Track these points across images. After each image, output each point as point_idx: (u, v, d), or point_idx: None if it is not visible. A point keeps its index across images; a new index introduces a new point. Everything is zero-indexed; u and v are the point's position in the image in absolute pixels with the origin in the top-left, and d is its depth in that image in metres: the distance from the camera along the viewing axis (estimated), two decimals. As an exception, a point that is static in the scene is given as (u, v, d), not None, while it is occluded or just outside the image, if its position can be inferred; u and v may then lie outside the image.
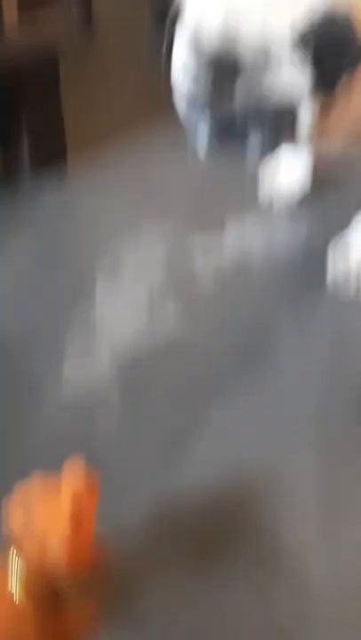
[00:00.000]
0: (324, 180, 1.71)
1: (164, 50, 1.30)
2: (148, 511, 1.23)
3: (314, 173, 1.71)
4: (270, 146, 1.31)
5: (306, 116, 1.29)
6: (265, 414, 1.36)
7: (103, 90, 2.06)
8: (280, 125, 1.30)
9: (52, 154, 1.80)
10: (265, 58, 1.24)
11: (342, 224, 1.61)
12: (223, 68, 1.25)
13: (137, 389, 1.41)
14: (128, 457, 1.31)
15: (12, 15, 1.57)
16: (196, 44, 1.26)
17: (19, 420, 1.36)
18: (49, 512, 1.03)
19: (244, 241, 1.66)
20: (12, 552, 1.05)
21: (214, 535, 1.22)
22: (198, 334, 1.50)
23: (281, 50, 1.23)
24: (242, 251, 1.64)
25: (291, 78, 1.25)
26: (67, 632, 1.09)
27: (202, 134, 1.32)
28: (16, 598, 1.03)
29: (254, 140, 1.30)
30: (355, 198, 1.65)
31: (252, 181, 1.73)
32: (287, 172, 1.71)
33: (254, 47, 1.23)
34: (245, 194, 1.72)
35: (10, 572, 1.04)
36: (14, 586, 1.03)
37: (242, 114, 1.27)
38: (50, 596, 1.06)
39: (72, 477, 1.06)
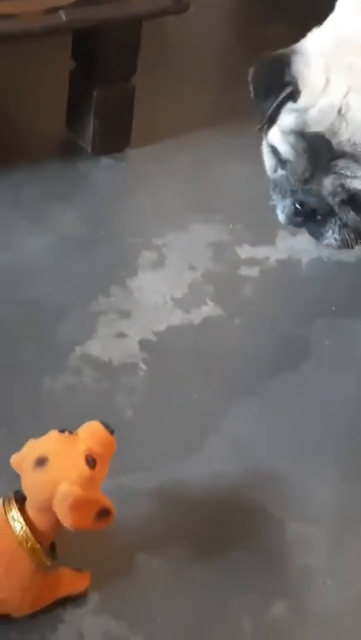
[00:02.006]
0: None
1: (263, 123, 1.26)
2: (159, 487, 1.22)
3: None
4: (347, 244, 1.27)
5: None
6: (289, 417, 1.35)
7: (180, 78, 2.07)
8: None
9: (116, 135, 1.81)
10: None
11: None
12: (320, 155, 1.21)
13: (165, 363, 1.41)
14: (147, 429, 1.30)
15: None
16: (300, 126, 1.22)
17: (43, 377, 1.35)
18: (63, 465, 1.01)
19: (293, 249, 1.65)
20: (13, 498, 1.04)
21: (221, 520, 1.20)
22: (234, 325, 1.49)
23: None
24: (291, 257, 1.63)
25: None
26: (57, 582, 1.08)
27: (281, 214, 1.31)
28: (18, 534, 1.01)
29: (332, 234, 1.26)
30: None
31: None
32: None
33: (357, 140, 1.18)
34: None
35: (13, 514, 1.02)
36: (17, 527, 1.01)
37: (326, 206, 1.23)
38: (48, 545, 1.04)
39: (90, 437, 1.04)
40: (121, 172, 1.80)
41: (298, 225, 1.29)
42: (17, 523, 1.02)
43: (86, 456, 1.01)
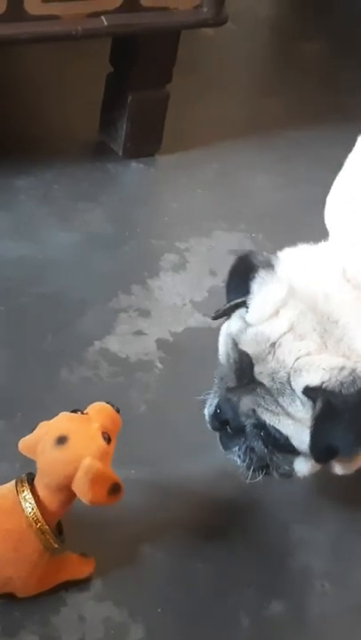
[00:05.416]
0: None
1: (217, 315, 1.21)
2: (167, 481, 1.25)
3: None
4: (251, 467, 1.18)
5: (303, 469, 1.16)
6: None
7: (213, 88, 2.11)
8: (271, 466, 1.18)
9: (147, 140, 1.85)
10: (283, 391, 1.12)
11: None
12: (244, 373, 1.15)
13: (180, 363, 1.44)
14: (158, 425, 1.33)
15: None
16: (238, 337, 1.16)
17: (60, 368, 1.38)
18: (83, 442, 1.04)
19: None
20: (26, 479, 1.07)
21: (225, 517, 1.23)
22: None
23: (301, 394, 1.10)
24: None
25: (297, 430, 1.12)
26: (63, 565, 1.10)
27: (205, 410, 1.23)
28: (28, 515, 1.04)
29: (238, 450, 1.19)
30: None
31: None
32: None
33: (276, 376, 1.12)
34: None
35: (25, 495, 1.05)
36: (28, 508, 1.04)
37: (239, 422, 1.17)
38: (55, 528, 1.07)
39: (100, 415, 1.07)
40: (149, 177, 1.83)
41: (214, 428, 1.21)
42: (28, 503, 1.05)
43: (102, 432, 1.05)
